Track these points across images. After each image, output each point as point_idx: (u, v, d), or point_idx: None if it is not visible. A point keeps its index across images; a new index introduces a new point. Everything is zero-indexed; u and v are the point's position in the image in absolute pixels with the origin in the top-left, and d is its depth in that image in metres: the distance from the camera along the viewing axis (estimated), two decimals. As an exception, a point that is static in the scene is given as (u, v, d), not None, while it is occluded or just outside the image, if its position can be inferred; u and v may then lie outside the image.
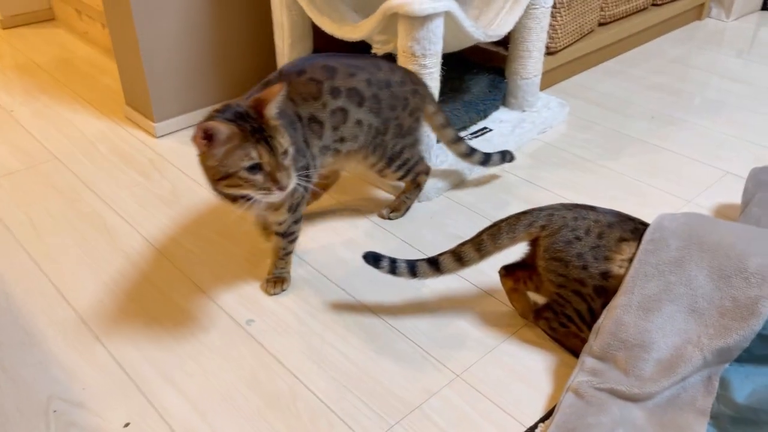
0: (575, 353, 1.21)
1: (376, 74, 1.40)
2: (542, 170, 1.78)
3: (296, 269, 1.44)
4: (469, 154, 1.62)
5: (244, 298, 1.36)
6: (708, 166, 1.80)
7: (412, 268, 1.25)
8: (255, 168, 1.08)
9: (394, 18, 1.53)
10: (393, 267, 1.25)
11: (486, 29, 1.67)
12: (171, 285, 1.39)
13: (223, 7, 1.91)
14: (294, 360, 1.22)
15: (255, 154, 1.07)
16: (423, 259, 1.25)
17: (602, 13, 2.30)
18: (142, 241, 1.52)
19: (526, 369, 1.20)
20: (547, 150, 1.88)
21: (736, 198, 1.64)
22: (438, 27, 1.52)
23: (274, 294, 1.37)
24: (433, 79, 1.59)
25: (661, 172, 1.78)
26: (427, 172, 1.59)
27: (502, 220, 1.22)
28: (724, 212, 1.60)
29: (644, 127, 2.00)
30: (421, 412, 1.12)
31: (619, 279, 1.12)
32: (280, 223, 1.32)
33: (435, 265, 1.24)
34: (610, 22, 2.36)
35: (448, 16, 1.54)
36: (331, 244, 1.52)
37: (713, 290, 1.06)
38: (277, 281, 1.38)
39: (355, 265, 1.45)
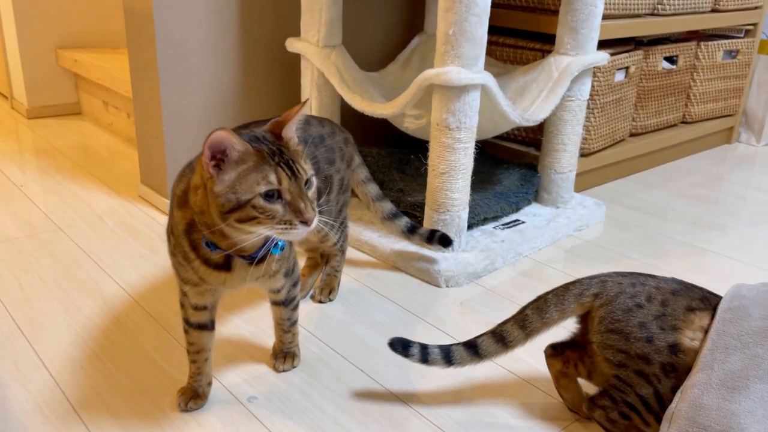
0: (639, 452, 1.01)
1: (308, 130, 1.27)
2: (581, 264, 1.64)
3: (307, 346, 1.26)
4: (393, 216, 1.46)
5: (247, 374, 1.18)
6: (765, 271, 1.65)
7: (447, 355, 1.08)
8: (273, 196, 0.89)
9: (429, 90, 1.47)
10: (425, 354, 1.08)
11: (523, 113, 1.61)
12: (166, 356, 1.22)
13: (252, 88, 1.88)
14: (301, 443, 1.02)
15: (273, 177, 0.88)
16: (459, 344, 1.08)
17: (633, 123, 2.26)
18: (140, 311, 1.36)
19: (581, 468, 1.00)
20: (586, 247, 1.74)
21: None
22: (474, 100, 1.45)
23: (283, 370, 1.19)
24: (467, 156, 1.50)
25: (713, 274, 1.62)
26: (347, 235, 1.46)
27: (547, 292, 1.06)
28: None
29: (687, 230, 1.87)
30: None
31: (691, 354, 0.95)
32: (277, 291, 1.12)
33: (473, 349, 1.07)
34: (642, 134, 2.32)
35: (484, 93, 1.48)
36: (347, 323, 1.35)
37: (813, 368, 0.88)
38: (287, 356, 1.20)
39: (375, 345, 1.28)
